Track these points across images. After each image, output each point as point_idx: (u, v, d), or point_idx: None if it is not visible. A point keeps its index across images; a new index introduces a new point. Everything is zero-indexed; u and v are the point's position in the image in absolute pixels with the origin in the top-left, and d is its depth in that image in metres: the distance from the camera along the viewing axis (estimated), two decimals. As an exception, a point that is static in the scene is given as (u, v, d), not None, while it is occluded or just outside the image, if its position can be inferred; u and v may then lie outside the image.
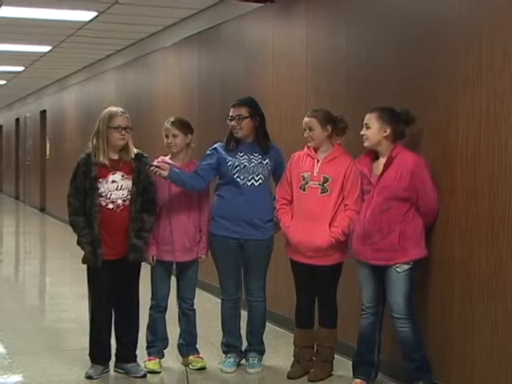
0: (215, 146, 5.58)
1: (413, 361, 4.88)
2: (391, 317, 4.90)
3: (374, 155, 5.04)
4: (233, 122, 5.49)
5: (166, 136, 5.56)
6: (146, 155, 5.46)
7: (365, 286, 5.10)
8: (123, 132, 5.30)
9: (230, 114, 5.51)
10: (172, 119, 5.61)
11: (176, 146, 5.54)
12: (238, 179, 5.45)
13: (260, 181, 5.47)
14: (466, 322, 4.68)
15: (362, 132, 5.00)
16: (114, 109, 5.42)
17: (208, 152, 5.57)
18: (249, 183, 5.47)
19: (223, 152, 5.51)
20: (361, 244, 4.98)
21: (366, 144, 5.01)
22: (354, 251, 5.08)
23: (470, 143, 4.61)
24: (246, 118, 5.49)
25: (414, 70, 5.14)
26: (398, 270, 4.85)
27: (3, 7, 8.50)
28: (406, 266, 4.85)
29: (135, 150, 5.41)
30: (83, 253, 5.32)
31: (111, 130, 5.28)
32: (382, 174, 4.90)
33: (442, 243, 4.88)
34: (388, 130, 4.92)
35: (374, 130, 4.95)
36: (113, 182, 5.29)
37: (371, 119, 4.96)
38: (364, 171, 5.03)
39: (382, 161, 4.95)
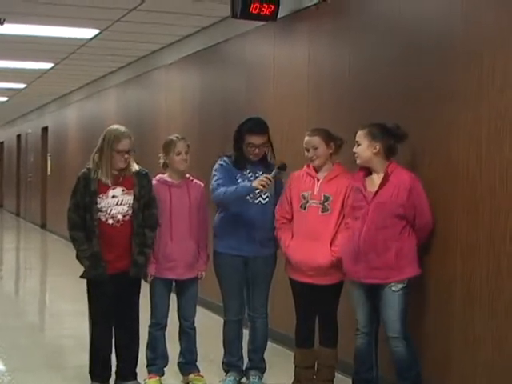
0: (222, 162, 5.48)
1: (404, 379, 4.87)
2: (387, 336, 4.88)
3: (367, 171, 5.02)
4: (256, 150, 5.42)
5: (179, 153, 5.51)
6: (145, 171, 5.44)
7: (358, 308, 5.06)
8: (126, 156, 5.29)
9: (252, 142, 5.39)
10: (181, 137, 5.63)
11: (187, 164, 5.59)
12: (247, 197, 5.42)
13: (267, 199, 5.45)
14: (466, 339, 4.66)
15: (354, 150, 4.99)
16: (119, 130, 5.35)
17: (220, 165, 5.45)
18: (256, 201, 5.44)
19: (232, 168, 5.45)
20: (353, 263, 4.92)
21: (357, 162, 5.00)
22: (346, 271, 5.02)
23: (472, 160, 4.62)
24: (267, 146, 5.49)
25: (415, 86, 5.14)
26: (393, 289, 4.82)
27: (5, 24, 8.52)
28: (400, 285, 4.82)
29: (136, 167, 5.41)
30: (83, 268, 5.29)
31: (115, 152, 5.25)
32: (378, 190, 4.88)
33: (443, 260, 4.86)
34: (378, 147, 4.91)
35: (363, 147, 4.93)
36: (113, 197, 5.28)
37: (361, 136, 4.95)
38: (359, 187, 5.00)
39: (376, 177, 4.94)
